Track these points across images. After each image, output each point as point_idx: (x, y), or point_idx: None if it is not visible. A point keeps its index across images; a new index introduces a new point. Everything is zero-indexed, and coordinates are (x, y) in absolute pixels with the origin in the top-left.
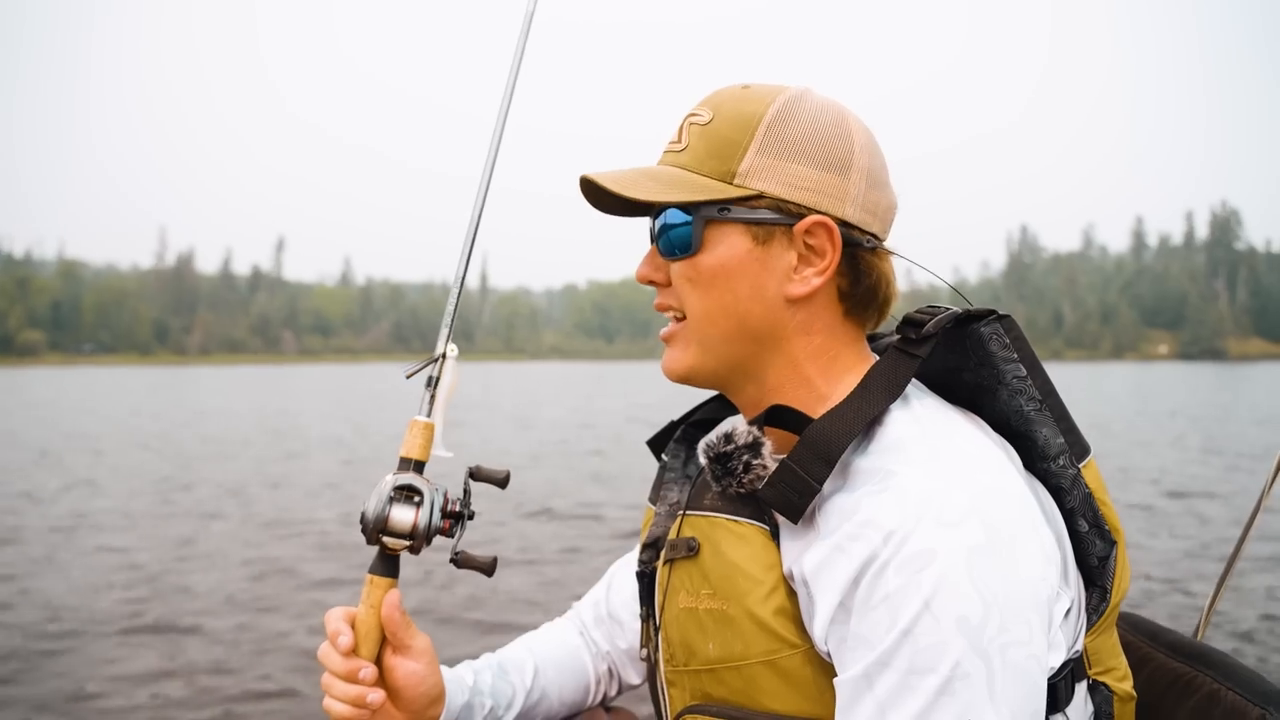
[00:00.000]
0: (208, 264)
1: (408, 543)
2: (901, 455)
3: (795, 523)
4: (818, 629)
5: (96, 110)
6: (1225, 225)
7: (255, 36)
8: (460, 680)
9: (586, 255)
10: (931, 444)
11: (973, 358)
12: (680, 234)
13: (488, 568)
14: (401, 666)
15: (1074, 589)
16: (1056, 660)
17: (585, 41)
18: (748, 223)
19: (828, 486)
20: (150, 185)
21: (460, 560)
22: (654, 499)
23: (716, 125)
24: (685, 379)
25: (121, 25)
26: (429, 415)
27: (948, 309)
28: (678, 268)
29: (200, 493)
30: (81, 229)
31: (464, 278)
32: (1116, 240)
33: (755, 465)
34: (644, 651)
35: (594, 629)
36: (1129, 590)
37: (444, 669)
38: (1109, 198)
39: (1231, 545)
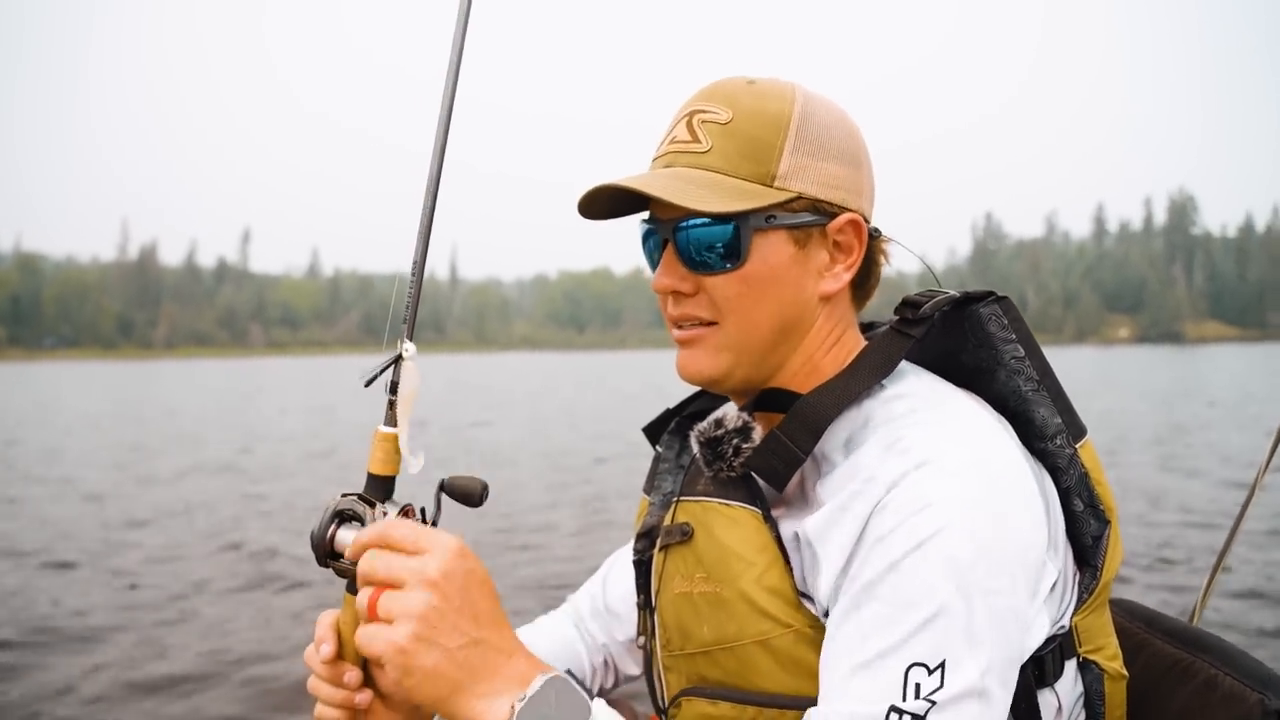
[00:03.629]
0: (172, 256)
1: (355, 567)
2: (904, 421)
3: (780, 490)
4: (824, 586)
5: (49, 99)
6: (1182, 211)
7: (217, 22)
8: None
9: (556, 244)
10: (933, 410)
11: (971, 339)
12: (721, 244)
13: None
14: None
15: (1061, 563)
16: (1039, 635)
17: (558, 22)
18: (790, 227)
19: (835, 456)
20: (110, 175)
21: None
22: (648, 489)
23: (741, 124)
24: (713, 384)
25: (83, 16)
26: (391, 424)
27: (946, 292)
28: (719, 280)
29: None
30: (38, 220)
31: (424, 264)
32: (1078, 226)
33: (745, 449)
34: (641, 640)
35: (590, 621)
36: (1119, 571)
37: None
38: (1071, 185)
39: (1218, 528)
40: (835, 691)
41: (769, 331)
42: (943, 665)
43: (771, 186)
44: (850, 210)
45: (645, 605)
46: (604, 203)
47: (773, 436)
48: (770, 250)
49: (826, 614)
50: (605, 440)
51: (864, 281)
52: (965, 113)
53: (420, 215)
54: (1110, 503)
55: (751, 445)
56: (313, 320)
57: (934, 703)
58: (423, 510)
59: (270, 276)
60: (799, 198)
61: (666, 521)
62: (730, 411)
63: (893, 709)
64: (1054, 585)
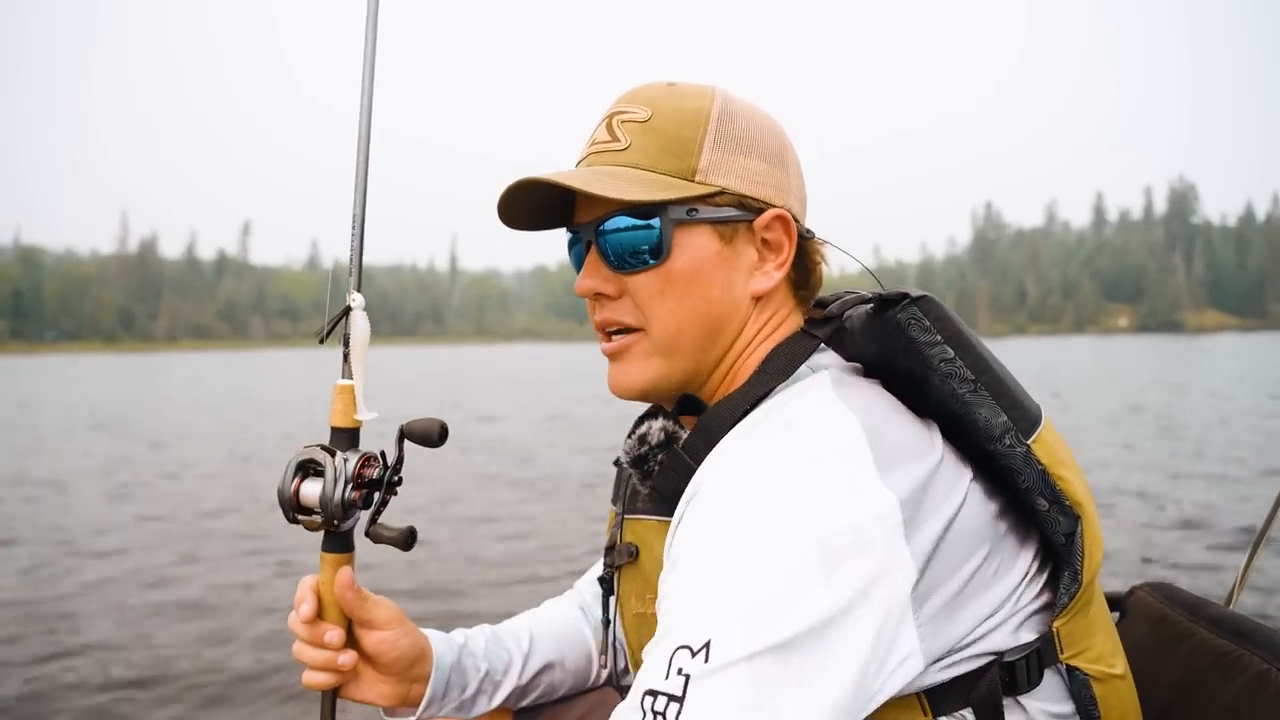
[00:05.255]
0: (171, 248)
1: (320, 519)
2: (744, 428)
3: (671, 513)
4: None
5: (49, 90)
6: (1183, 200)
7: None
8: (450, 640)
9: (557, 235)
10: (770, 415)
11: (898, 345)
12: (644, 240)
13: (401, 541)
14: (370, 636)
15: (972, 568)
16: (906, 639)
17: (560, 9)
18: (713, 222)
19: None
20: (109, 166)
21: (372, 534)
22: (614, 498)
23: (660, 122)
24: (644, 395)
25: (84, 6)
26: (348, 376)
27: (856, 292)
28: (642, 279)
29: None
30: (38, 213)
31: (363, 218)
32: (1078, 216)
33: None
34: (602, 659)
35: (595, 605)
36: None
37: (434, 632)
38: (1071, 174)
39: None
40: None
41: (697, 332)
42: (708, 645)
43: (693, 181)
44: (776, 207)
45: (606, 623)
46: (526, 211)
47: (674, 455)
48: (694, 246)
49: None
50: (608, 433)
51: (805, 282)
52: (960, 98)
53: (355, 171)
54: (1077, 497)
55: None
56: (313, 312)
57: (689, 677)
58: (383, 454)
59: (270, 268)
60: (722, 193)
61: (618, 540)
62: (654, 425)
63: (648, 692)
64: (926, 594)
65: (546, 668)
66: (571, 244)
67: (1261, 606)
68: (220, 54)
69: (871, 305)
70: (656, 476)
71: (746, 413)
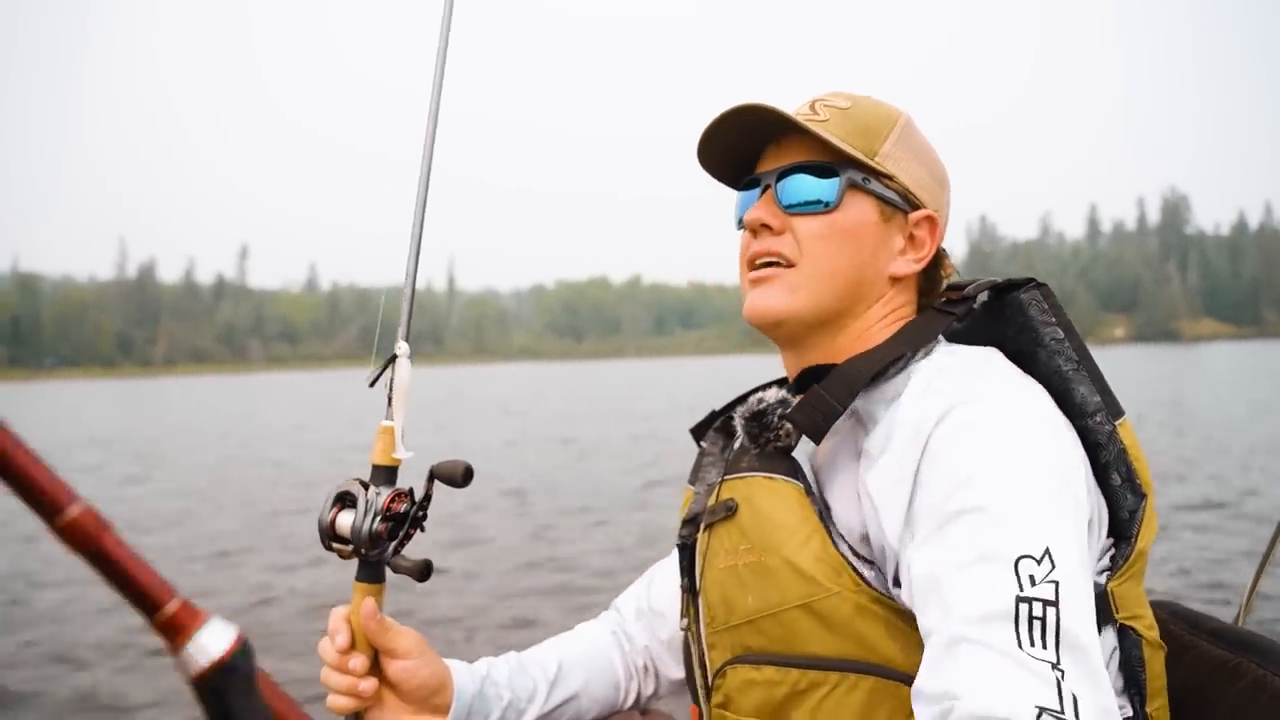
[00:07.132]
0: (170, 273)
1: (350, 547)
2: (939, 375)
3: (817, 443)
4: (890, 530)
5: (44, 118)
6: (1175, 210)
7: (185, 30)
8: (472, 670)
9: (553, 254)
10: (965, 366)
11: (1013, 325)
12: (820, 189)
13: (416, 572)
14: (392, 665)
15: (1097, 525)
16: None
17: (558, 34)
18: (879, 198)
19: (878, 413)
20: (106, 193)
21: (392, 565)
22: (693, 480)
23: (857, 112)
24: (779, 323)
25: (76, 35)
26: (390, 417)
27: (991, 279)
28: (809, 220)
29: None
30: (36, 241)
31: (416, 271)
32: (1072, 227)
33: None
34: (684, 622)
35: (634, 623)
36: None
37: (457, 663)
38: (1065, 186)
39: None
40: (947, 605)
41: (841, 283)
42: (1048, 551)
43: (873, 160)
44: (930, 210)
45: (689, 588)
46: (720, 150)
47: (813, 393)
48: (859, 210)
49: (888, 570)
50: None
51: (927, 290)
52: (961, 118)
53: (412, 225)
54: (1147, 478)
55: None
56: (311, 334)
57: (1057, 583)
58: (411, 491)
59: (268, 292)
60: (892, 179)
61: (711, 502)
62: (770, 392)
63: (1019, 599)
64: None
65: (573, 696)
66: (741, 209)
67: (1270, 624)
68: (212, 82)
69: (989, 290)
70: (794, 411)
71: (889, 368)
